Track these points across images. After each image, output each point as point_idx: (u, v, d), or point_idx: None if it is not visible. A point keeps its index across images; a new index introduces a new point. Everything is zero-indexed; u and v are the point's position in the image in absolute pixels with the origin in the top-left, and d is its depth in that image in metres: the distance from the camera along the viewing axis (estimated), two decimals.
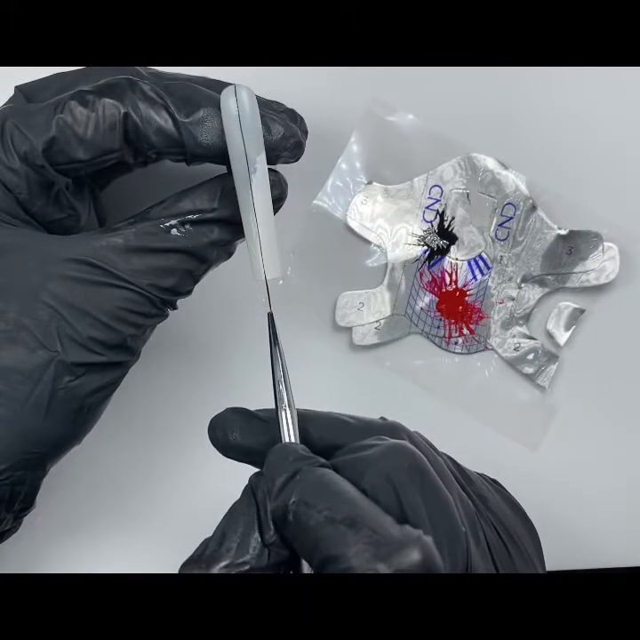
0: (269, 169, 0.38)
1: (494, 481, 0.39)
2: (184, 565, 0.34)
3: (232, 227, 0.38)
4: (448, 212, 0.49)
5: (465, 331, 0.49)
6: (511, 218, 0.49)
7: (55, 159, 0.36)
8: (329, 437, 0.36)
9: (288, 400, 0.36)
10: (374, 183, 0.49)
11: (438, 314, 0.49)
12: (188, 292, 0.39)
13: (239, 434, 0.36)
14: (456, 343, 0.49)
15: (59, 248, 0.37)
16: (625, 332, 0.50)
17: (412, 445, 0.35)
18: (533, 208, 0.49)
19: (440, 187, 0.49)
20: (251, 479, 0.35)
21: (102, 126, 0.36)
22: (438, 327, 0.49)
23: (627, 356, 0.50)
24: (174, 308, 0.39)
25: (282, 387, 0.36)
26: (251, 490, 0.35)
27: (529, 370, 0.49)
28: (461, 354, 0.49)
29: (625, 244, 0.48)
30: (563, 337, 0.49)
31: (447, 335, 0.49)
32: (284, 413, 0.36)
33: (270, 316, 0.38)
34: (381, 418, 0.38)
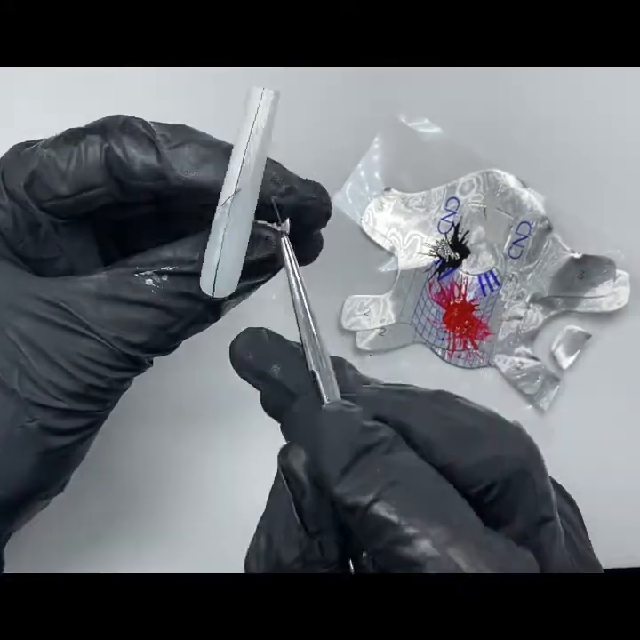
0: (267, 227, 0.35)
1: None
2: (247, 566, 0.32)
3: None
4: (463, 226, 0.49)
5: (469, 345, 0.49)
6: (526, 237, 0.49)
7: (39, 195, 0.36)
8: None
9: (321, 349, 0.32)
10: (392, 190, 0.49)
11: (444, 326, 0.49)
12: (169, 350, 0.37)
13: (280, 368, 0.33)
14: (459, 356, 0.49)
15: (33, 285, 0.36)
16: (630, 360, 0.49)
17: None
18: (549, 229, 0.48)
19: (457, 199, 0.49)
20: (279, 461, 0.31)
21: (84, 160, 0.35)
22: (443, 339, 0.49)
23: (630, 384, 0.49)
24: (149, 365, 0.37)
25: (312, 329, 0.32)
26: (281, 473, 0.31)
27: (529, 391, 0.49)
28: (463, 368, 0.49)
29: (637, 272, 0.48)
30: (566, 361, 0.49)
31: (451, 348, 0.49)
32: (318, 364, 0.31)
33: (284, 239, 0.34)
34: None
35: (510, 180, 0.49)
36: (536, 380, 0.49)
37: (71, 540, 0.47)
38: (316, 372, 0.31)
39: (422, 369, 0.49)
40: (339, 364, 0.33)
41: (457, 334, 0.49)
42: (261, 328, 0.34)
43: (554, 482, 0.36)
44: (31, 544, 0.46)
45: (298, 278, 0.33)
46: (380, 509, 0.28)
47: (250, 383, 0.34)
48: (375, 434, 0.29)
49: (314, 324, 0.32)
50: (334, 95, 0.49)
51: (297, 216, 0.35)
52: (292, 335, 0.34)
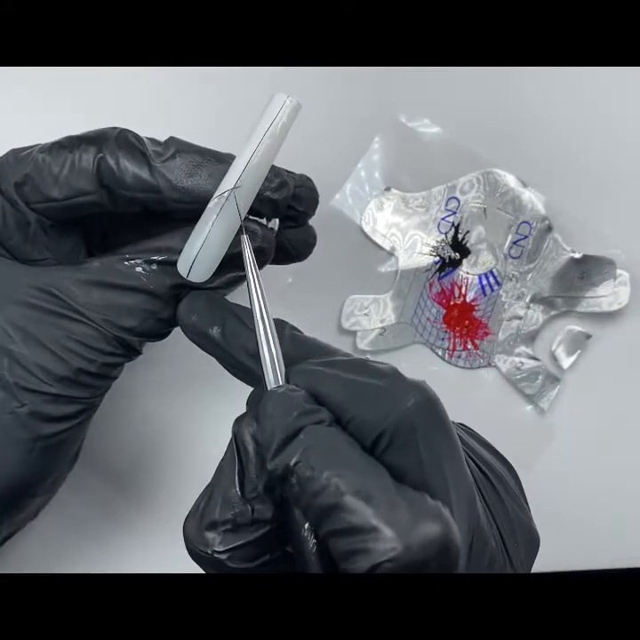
0: (259, 223, 0.37)
1: (462, 424, 0.37)
2: (186, 520, 0.33)
3: None
4: (463, 226, 0.49)
5: (469, 345, 0.49)
6: (526, 236, 0.49)
7: (31, 196, 0.36)
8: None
9: (270, 335, 0.34)
10: (392, 190, 0.49)
11: (444, 326, 0.49)
12: (161, 335, 0.38)
13: (221, 332, 0.35)
14: (459, 357, 0.49)
15: (24, 274, 0.37)
16: (631, 360, 0.49)
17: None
18: (549, 229, 0.48)
19: (457, 199, 0.49)
20: (233, 428, 0.34)
21: (77, 166, 0.36)
22: (443, 339, 0.49)
23: (630, 384, 0.49)
24: (139, 351, 0.38)
25: (262, 313, 0.34)
26: (233, 440, 0.33)
27: (529, 391, 0.49)
28: (463, 368, 0.49)
29: (637, 272, 0.48)
30: (567, 361, 0.49)
31: (451, 348, 0.49)
32: (267, 347, 0.33)
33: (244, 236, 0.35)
34: None
35: (510, 180, 0.49)
36: (536, 379, 0.49)
37: (71, 540, 0.47)
38: (266, 357, 0.34)
39: (422, 369, 0.49)
40: (279, 325, 0.35)
41: (457, 334, 0.49)
42: (206, 291, 0.36)
43: (486, 443, 0.37)
44: (30, 544, 0.46)
45: (255, 276, 0.34)
46: (301, 468, 0.30)
47: (195, 344, 0.36)
48: (315, 415, 0.31)
49: (266, 310, 0.34)
50: (334, 95, 0.49)
51: (292, 206, 0.37)
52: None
